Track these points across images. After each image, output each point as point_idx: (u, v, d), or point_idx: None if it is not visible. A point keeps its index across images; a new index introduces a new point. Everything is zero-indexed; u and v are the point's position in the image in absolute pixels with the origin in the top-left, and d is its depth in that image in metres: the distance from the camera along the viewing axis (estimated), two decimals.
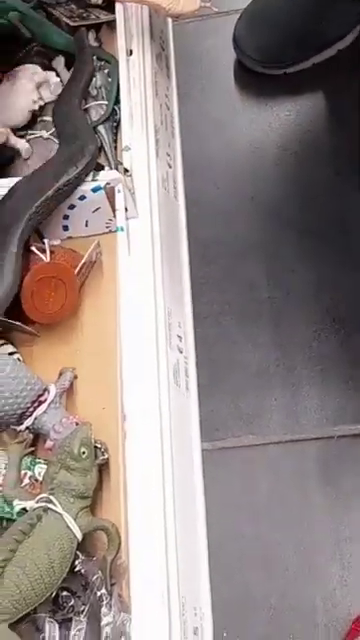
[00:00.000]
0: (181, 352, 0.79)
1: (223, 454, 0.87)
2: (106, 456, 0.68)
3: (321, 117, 1.11)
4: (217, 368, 0.91)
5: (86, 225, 0.78)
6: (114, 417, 0.69)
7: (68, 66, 0.84)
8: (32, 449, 0.70)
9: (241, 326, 0.93)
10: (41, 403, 0.68)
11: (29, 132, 0.81)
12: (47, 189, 0.71)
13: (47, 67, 0.83)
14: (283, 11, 1.10)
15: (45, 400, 0.68)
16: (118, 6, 0.82)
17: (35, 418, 0.68)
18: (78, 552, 0.62)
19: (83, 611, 0.61)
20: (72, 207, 0.75)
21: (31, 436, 0.69)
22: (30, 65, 0.81)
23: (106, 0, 0.85)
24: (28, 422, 0.68)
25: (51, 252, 0.73)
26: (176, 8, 0.80)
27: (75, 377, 0.72)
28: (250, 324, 0.93)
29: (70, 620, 0.61)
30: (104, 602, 0.60)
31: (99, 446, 0.67)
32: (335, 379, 0.90)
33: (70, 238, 0.78)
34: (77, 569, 0.62)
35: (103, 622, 0.60)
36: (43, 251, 0.73)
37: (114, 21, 0.82)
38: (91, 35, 0.85)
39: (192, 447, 0.78)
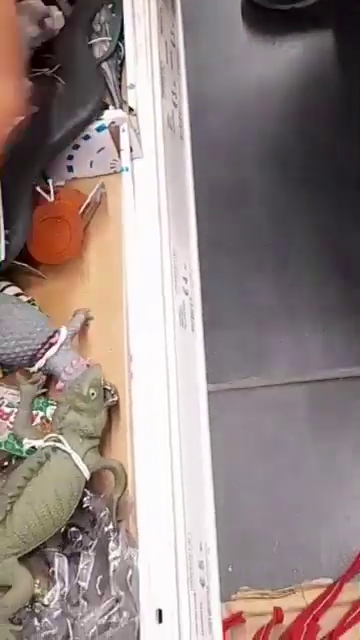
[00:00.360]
0: (187, 294, 0.79)
1: (227, 395, 0.88)
2: (115, 398, 0.68)
3: (329, 53, 1.08)
4: (223, 311, 0.91)
5: (90, 165, 0.77)
6: (121, 358, 0.69)
7: (70, 1, 0.82)
8: (45, 390, 0.71)
9: (246, 269, 0.93)
10: (52, 345, 0.68)
11: (32, 70, 0.79)
12: (56, 132, 0.70)
13: (50, 2, 0.81)
14: None
15: (56, 342, 0.68)
16: None
17: (46, 360, 0.68)
18: (86, 490, 0.64)
19: (91, 546, 0.63)
20: (76, 147, 0.74)
21: (44, 377, 0.70)
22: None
23: None
24: (40, 364, 0.68)
25: (55, 193, 0.72)
26: None
27: (88, 319, 0.72)
28: (255, 267, 0.93)
29: (79, 555, 0.63)
30: (111, 537, 0.62)
31: (109, 388, 0.68)
32: (339, 322, 0.91)
33: (75, 179, 0.77)
34: (85, 506, 0.63)
35: (111, 556, 0.61)
36: (47, 192, 0.72)
37: None
38: None
39: (198, 388, 0.78)
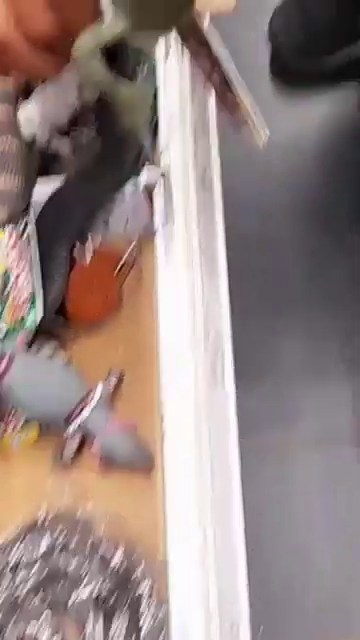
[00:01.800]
0: (218, 351, 0.80)
1: (259, 451, 0.88)
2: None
3: (356, 107, 1.10)
4: (253, 365, 0.91)
5: (125, 225, 0.79)
6: (153, 417, 0.70)
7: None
8: None
9: (277, 323, 0.94)
10: (87, 404, 0.69)
11: (72, 129, 0.81)
12: (94, 192, 0.72)
13: None
14: (319, 4, 1.09)
15: (91, 401, 0.70)
16: None
17: (81, 420, 0.69)
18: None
19: (125, 605, 0.63)
20: (112, 208, 0.76)
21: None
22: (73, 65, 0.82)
23: None
24: (75, 424, 0.69)
25: (91, 253, 0.74)
26: (212, 3, 0.81)
27: (122, 377, 0.74)
28: (286, 321, 0.94)
29: (112, 614, 0.63)
30: (144, 598, 0.62)
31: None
32: None
33: (109, 238, 0.79)
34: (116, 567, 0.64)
35: (143, 616, 0.61)
36: (85, 252, 0.74)
37: None
38: None
39: (229, 444, 0.79)
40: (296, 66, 1.12)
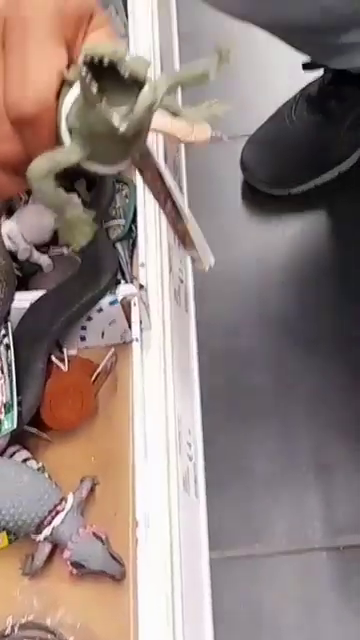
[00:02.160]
0: (191, 459, 0.81)
1: (229, 563, 0.87)
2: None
3: (325, 234, 1.17)
4: (224, 475, 0.92)
5: (102, 336, 0.82)
6: (126, 523, 0.71)
7: (88, 188, 0.90)
8: None
9: (248, 434, 0.96)
10: (59, 512, 0.70)
11: (51, 248, 0.86)
12: (72, 305, 0.75)
13: (70, 189, 0.89)
14: (287, 137, 1.18)
15: (63, 509, 0.70)
16: None
17: (53, 528, 0.69)
18: None
19: None
20: (90, 319, 0.80)
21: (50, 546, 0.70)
22: None
23: None
24: (46, 532, 0.69)
25: (68, 361, 0.77)
26: (189, 137, 0.87)
27: (95, 485, 0.74)
28: (257, 432, 0.96)
29: None
30: None
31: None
32: (341, 488, 0.92)
33: (87, 348, 0.82)
34: None
35: None
36: (62, 361, 0.76)
37: None
38: None
39: (201, 554, 0.79)
40: (266, 192, 1.20)
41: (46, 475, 0.74)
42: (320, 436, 0.95)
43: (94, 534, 0.69)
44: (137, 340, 0.77)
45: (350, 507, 0.90)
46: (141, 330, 0.78)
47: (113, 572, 0.68)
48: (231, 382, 0.99)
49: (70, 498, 0.71)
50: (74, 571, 0.69)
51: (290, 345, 1.02)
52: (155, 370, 0.77)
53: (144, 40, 1.02)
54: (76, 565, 0.68)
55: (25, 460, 0.76)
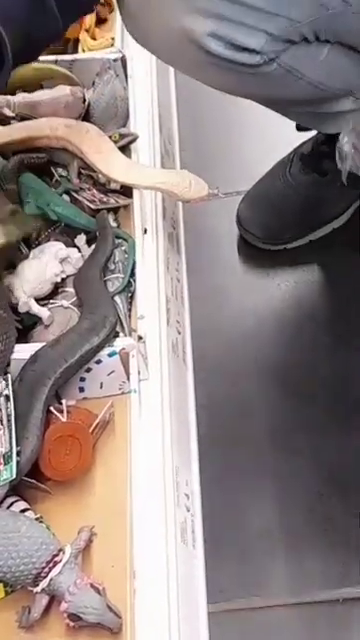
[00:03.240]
0: (188, 510, 0.81)
1: (227, 616, 0.87)
2: None
3: (320, 287, 1.19)
4: (222, 528, 0.92)
5: (101, 387, 0.83)
6: (124, 575, 0.70)
7: (88, 242, 0.93)
8: None
9: (245, 486, 0.96)
10: (56, 563, 0.69)
11: (51, 301, 0.88)
12: (71, 356, 0.77)
13: (70, 244, 0.92)
14: (282, 195, 1.21)
15: (60, 560, 0.69)
16: (135, 191, 0.92)
17: (50, 579, 0.69)
18: None
19: None
20: (89, 370, 0.81)
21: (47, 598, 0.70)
22: (55, 242, 0.90)
23: (123, 186, 0.95)
24: (44, 584, 0.69)
25: (67, 412, 0.77)
26: (187, 194, 0.90)
27: (92, 536, 0.74)
28: (254, 484, 0.96)
29: None
30: None
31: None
32: (339, 540, 0.92)
33: (85, 399, 0.83)
34: None
35: None
36: (60, 411, 0.77)
37: (131, 204, 0.92)
38: (110, 217, 0.94)
39: (198, 606, 0.79)
40: (261, 248, 1.22)
41: (44, 526, 0.74)
42: (318, 487, 0.95)
43: (92, 585, 0.69)
44: (135, 391, 0.78)
45: (349, 559, 0.90)
46: (139, 381, 0.79)
47: (110, 625, 0.68)
48: (228, 433, 1.00)
49: (68, 549, 0.71)
50: (71, 623, 0.68)
51: (287, 396, 1.03)
52: (153, 421, 0.78)
53: (143, 102, 1.06)
54: (73, 617, 0.68)
55: (23, 511, 0.76)
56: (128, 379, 0.80)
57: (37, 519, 0.74)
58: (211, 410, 1.00)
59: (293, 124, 1.13)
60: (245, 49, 0.83)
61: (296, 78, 0.89)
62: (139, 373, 0.79)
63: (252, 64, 0.84)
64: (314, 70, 0.90)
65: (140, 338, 0.80)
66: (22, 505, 0.77)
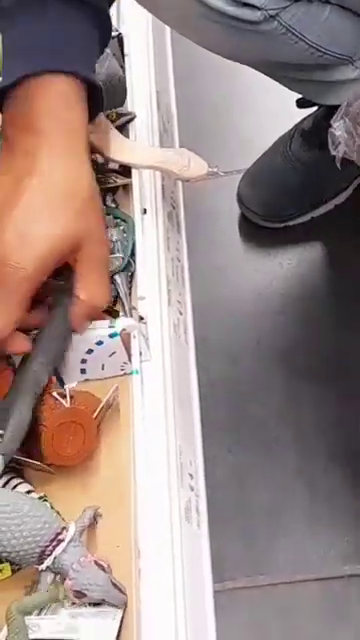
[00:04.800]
0: (192, 490, 0.82)
1: (233, 595, 0.87)
2: None
3: (322, 265, 1.18)
4: (226, 506, 0.93)
5: (102, 368, 0.82)
6: (128, 554, 0.71)
7: None
8: None
9: (249, 464, 0.96)
10: (60, 542, 0.69)
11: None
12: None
13: None
14: (282, 171, 1.20)
15: (64, 539, 0.70)
16: (133, 171, 0.91)
17: (55, 557, 0.69)
18: None
19: None
20: (90, 352, 0.80)
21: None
22: None
23: (122, 166, 0.94)
24: (48, 561, 0.69)
25: (70, 396, 0.77)
26: (186, 173, 0.89)
27: (97, 516, 0.74)
28: (258, 463, 0.96)
29: None
30: None
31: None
32: (344, 516, 0.92)
33: (87, 381, 0.83)
34: None
35: None
36: (64, 396, 0.77)
37: (130, 184, 0.91)
38: (109, 197, 0.93)
39: (204, 586, 0.79)
40: (262, 226, 1.22)
41: (47, 505, 0.74)
42: (321, 463, 0.95)
43: (96, 563, 0.69)
44: (137, 372, 0.78)
45: (354, 535, 0.90)
46: (141, 362, 0.79)
47: (115, 601, 0.68)
48: (232, 412, 1.00)
49: (72, 527, 0.71)
50: (76, 601, 0.69)
51: (289, 375, 1.03)
52: (156, 402, 0.78)
53: (141, 81, 1.04)
54: (78, 594, 0.68)
55: (28, 492, 0.76)
56: (130, 360, 0.79)
57: (40, 498, 0.75)
58: (214, 390, 1.00)
59: (293, 101, 1.12)
60: (246, 4, 0.83)
61: (296, 39, 0.89)
62: (141, 354, 0.79)
63: (253, 21, 0.85)
64: (314, 31, 0.89)
65: (141, 318, 0.80)
66: (26, 487, 0.77)
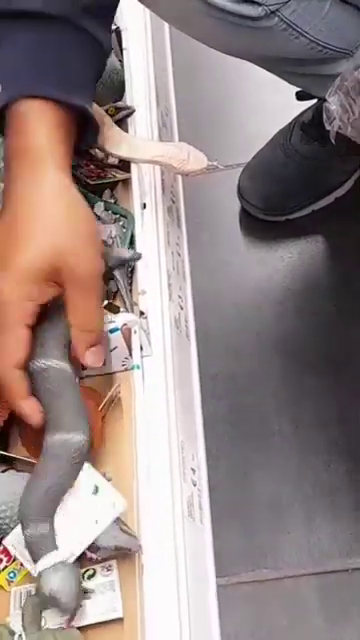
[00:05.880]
0: (195, 485, 0.81)
1: (237, 589, 0.87)
2: None
3: (323, 258, 1.18)
4: (229, 501, 0.93)
5: (103, 363, 0.82)
6: None
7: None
8: None
9: (252, 459, 0.96)
10: None
11: None
12: None
13: None
14: (283, 165, 1.20)
15: None
16: (133, 166, 0.91)
17: None
18: None
19: None
20: None
21: None
22: None
23: (121, 160, 0.93)
24: None
25: None
26: (185, 167, 0.89)
27: None
28: (260, 457, 0.96)
29: None
30: None
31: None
32: (347, 510, 0.92)
33: (88, 376, 0.83)
34: None
35: None
36: None
37: (129, 179, 0.91)
38: (107, 192, 0.93)
39: (207, 581, 0.79)
40: (263, 219, 1.21)
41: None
42: (324, 456, 0.95)
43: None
44: (138, 367, 0.78)
45: (357, 528, 0.90)
46: (142, 357, 0.79)
47: (128, 545, 0.67)
48: (233, 406, 0.99)
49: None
50: (93, 556, 0.68)
51: (291, 368, 1.03)
52: (157, 397, 0.78)
53: (139, 75, 1.04)
54: (92, 548, 0.67)
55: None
56: (131, 355, 0.79)
57: None
58: (215, 384, 1.00)
59: (293, 94, 1.12)
60: (246, 0, 0.82)
61: (297, 34, 0.88)
62: (142, 349, 0.79)
63: (253, 17, 0.84)
64: (314, 26, 0.89)
65: (142, 313, 0.80)
66: None
